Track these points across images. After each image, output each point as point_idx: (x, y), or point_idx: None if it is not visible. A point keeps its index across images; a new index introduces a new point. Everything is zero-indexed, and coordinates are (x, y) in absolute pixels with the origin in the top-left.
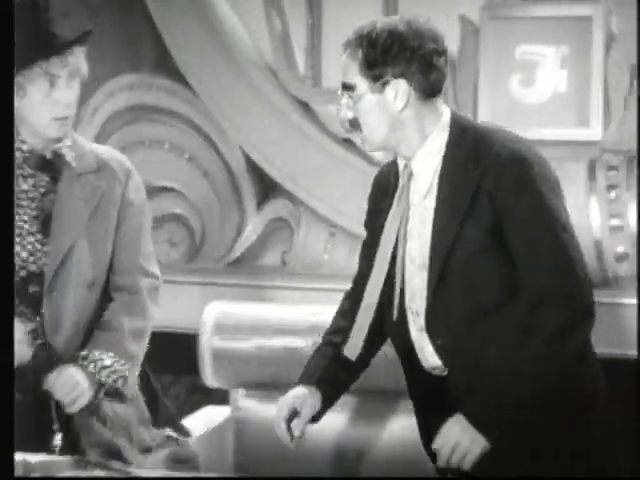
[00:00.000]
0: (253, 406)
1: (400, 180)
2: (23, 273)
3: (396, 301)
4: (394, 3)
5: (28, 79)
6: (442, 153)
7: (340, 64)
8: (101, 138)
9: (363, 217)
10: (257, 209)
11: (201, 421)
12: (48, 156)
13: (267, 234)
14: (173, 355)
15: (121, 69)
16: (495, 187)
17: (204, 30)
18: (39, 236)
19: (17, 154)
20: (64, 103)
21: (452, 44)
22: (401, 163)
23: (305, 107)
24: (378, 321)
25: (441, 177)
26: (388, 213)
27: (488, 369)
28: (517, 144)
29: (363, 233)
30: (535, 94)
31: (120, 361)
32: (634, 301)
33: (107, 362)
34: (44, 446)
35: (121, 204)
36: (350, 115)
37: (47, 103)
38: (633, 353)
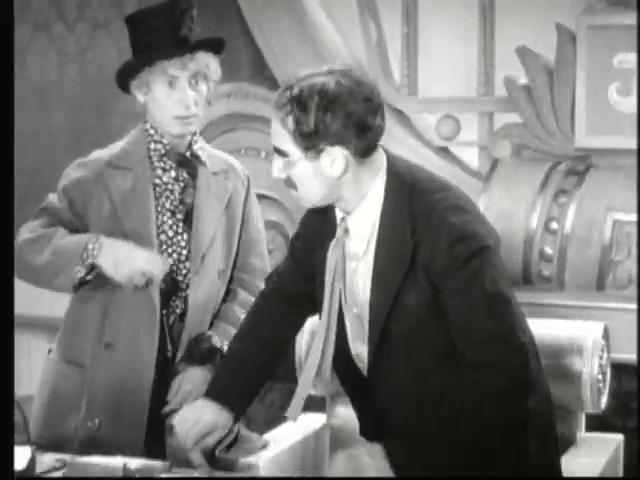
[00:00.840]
0: (349, 413)
1: (338, 229)
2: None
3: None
4: (491, 13)
5: (151, 77)
6: (378, 213)
7: (272, 128)
8: None
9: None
10: None
11: (297, 428)
12: (187, 154)
13: None
14: None
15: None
16: (431, 261)
17: (300, 39)
18: (180, 229)
19: (158, 146)
20: (183, 103)
21: (550, 52)
22: (339, 213)
23: (401, 115)
24: None
25: (379, 239)
26: (323, 247)
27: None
28: (455, 215)
29: None
30: (633, 103)
31: None
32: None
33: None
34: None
35: (244, 205)
36: (283, 175)
37: (168, 101)
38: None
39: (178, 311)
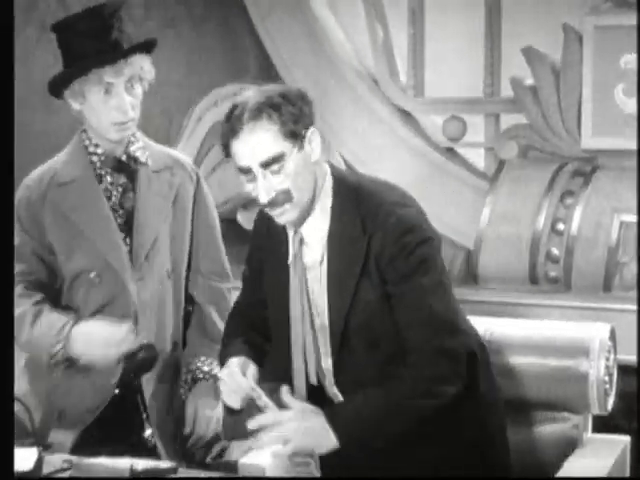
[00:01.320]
0: None
1: (291, 247)
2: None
3: (311, 366)
4: (497, 13)
5: (84, 86)
6: (329, 217)
7: (247, 148)
8: (205, 146)
9: (466, 227)
10: None
11: None
12: (122, 158)
13: None
14: None
15: (225, 79)
16: (381, 252)
17: (307, 40)
18: (122, 234)
19: (94, 158)
20: (121, 110)
21: (556, 53)
22: (289, 231)
23: (407, 116)
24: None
25: (331, 242)
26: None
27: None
28: (402, 209)
29: (465, 242)
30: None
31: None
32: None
33: (206, 369)
34: (133, 442)
35: (194, 200)
36: (273, 193)
37: (104, 109)
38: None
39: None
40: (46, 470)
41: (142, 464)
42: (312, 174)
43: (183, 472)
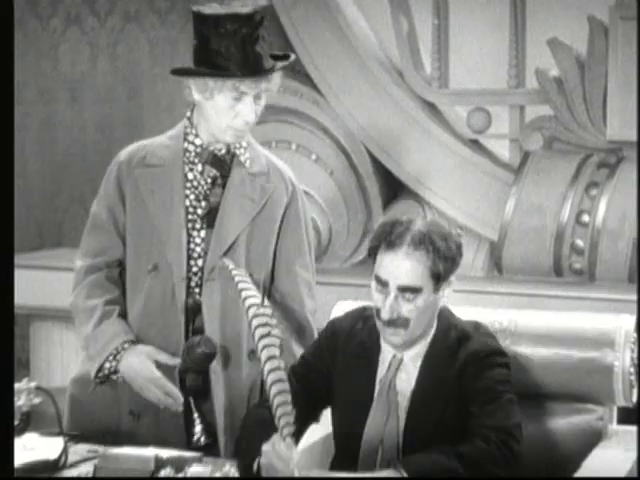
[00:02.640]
0: None
1: (384, 368)
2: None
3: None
4: (522, 4)
5: (218, 86)
6: (427, 347)
7: (394, 265)
8: None
9: (490, 218)
10: (383, 209)
11: (319, 427)
12: (221, 152)
13: None
14: None
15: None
16: (464, 371)
17: (331, 32)
18: (198, 225)
19: (190, 147)
20: (244, 119)
21: (581, 44)
22: (388, 350)
23: (432, 108)
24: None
25: (423, 368)
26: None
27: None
28: (491, 339)
29: (490, 234)
30: None
31: None
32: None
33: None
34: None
35: (285, 211)
36: (403, 314)
37: (229, 112)
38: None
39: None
40: (71, 459)
41: (167, 453)
42: (433, 315)
43: (208, 461)
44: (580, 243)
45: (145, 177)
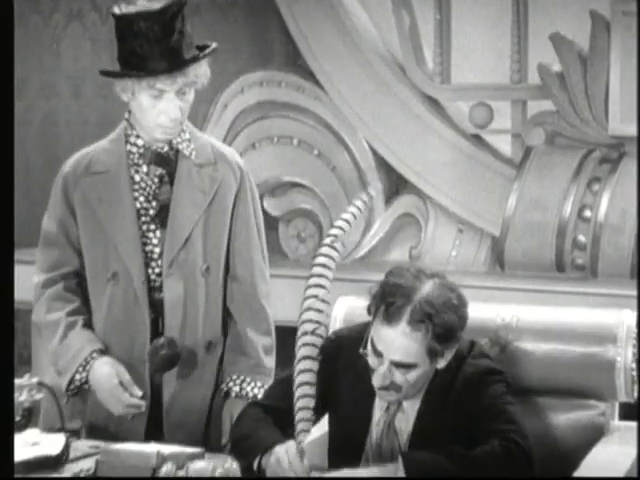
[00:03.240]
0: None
1: (385, 415)
2: None
3: None
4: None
5: (136, 85)
6: (426, 389)
7: (390, 340)
8: (231, 134)
9: (492, 214)
10: (385, 205)
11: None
12: (164, 149)
13: (395, 230)
14: None
15: (251, 66)
16: (461, 397)
17: (333, 27)
18: (152, 226)
19: (133, 149)
20: (169, 116)
21: (583, 39)
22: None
23: (434, 103)
24: None
25: (422, 403)
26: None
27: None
28: (487, 361)
29: (492, 229)
30: None
31: (258, 384)
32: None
33: (255, 391)
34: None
35: (235, 199)
36: (396, 383)
37: (152, 110)
38: None
39: (150, 312)
40: (73, 455)
41: (168, 449)
42: (429, 377)
43: (211, 457)
44: (582, 238)
45: (91, 185)
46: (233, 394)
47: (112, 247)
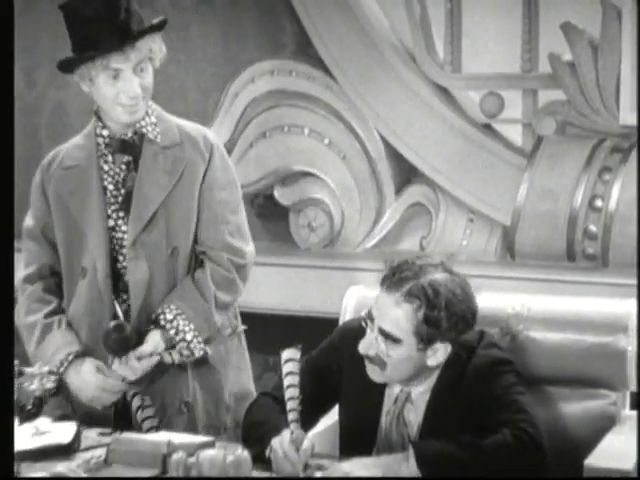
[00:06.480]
0: None
1: (393, 404)
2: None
3: None
4: None
5: (92, 70)
6: (434, 382)
7: (385, 307)
8: (241, 123)
9: (503, 203)
10: (396, 194)
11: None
12: (129, 136)
13: (405, 219)
14: (312, 339)
15: (261, 55)
16: (471, 389)
17: (344, 16)
18: (121, 213)
19: (99, 140)
20: (129, 94)
21: (594, 28)
22: (395, 387)
23: (444, 92)
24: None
25: (432, 394)
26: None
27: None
28: (498, 351)
29: (502, 219)
30: None
31: (199, 339)
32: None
33: (188, 337)
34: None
35: (204, 177)
36: (372, 352)
37: (112, 92)
38: None
39: (125, 297)
40: (84, 444)
41: (179, 438)
42: (417, 370)
43: (221, 446)
44: (593, 228)
45: (63, 180)
46: (162, 322)
47: (84, 241)
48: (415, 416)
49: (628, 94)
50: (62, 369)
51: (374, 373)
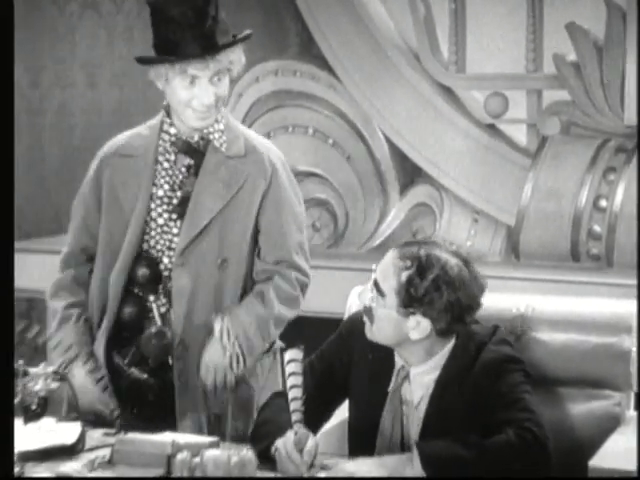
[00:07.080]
0: None
1: (393, 379)
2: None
3: None
4: None
5: (169, 71)
6: (440, 369)
7: (384, 260)
8: (246, 123)
9: (507, 203)
10: (400, 194)
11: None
12: (195, 139)
13: (410, 219)
14: (315, 340)
15: (266, 55)
16: (479, 383)
17: (348, 16)
18: (174, 215)
19: (165, 136)
20: (202, 102)
21: (599, 29)
22: (398, 361)
23: (449, 92)
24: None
25: (439, 382)
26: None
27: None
28: (508, 348)
29: (507, 219)
30: None
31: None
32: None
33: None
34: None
35: (264, 194)
36: (366, 302)
37: (185, 96)
38: None
39: (164, 301)
40: (89, 444)
41: (184, 438)
42: (397, 334)
43: (225, 446)
44: (597, 228)
45: (118, 168)
46: (235, 308)
47: (126, 232)
48: (411, 396)
49: (632, 94)
50: (67, 368)
51: (366, 328)
